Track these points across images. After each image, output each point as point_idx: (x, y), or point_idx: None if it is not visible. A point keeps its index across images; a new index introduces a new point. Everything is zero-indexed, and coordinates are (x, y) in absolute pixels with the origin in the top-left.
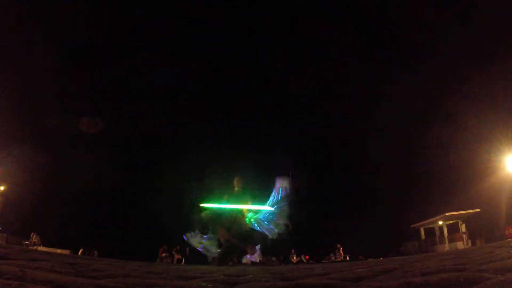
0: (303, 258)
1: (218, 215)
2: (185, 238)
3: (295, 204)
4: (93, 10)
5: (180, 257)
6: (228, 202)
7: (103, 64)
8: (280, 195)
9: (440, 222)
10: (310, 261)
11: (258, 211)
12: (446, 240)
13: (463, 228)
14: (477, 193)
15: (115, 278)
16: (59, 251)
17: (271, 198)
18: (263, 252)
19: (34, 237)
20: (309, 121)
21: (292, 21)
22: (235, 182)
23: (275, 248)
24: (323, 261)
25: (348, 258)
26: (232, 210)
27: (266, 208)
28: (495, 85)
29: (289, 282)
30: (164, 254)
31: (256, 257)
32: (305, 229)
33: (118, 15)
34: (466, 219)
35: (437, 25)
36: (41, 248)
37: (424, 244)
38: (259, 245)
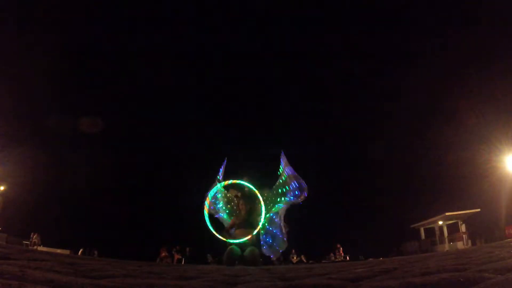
0: (303, 258)
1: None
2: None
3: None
4: (93, 10)
5: (180, 257)
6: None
7: (103, 64)
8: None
9: (440, 222)
10: (310, 261)
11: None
12: (446, 240)
13: (463, 228)
14: (477, 193)
15: (115, 278)
16: (59, 251)
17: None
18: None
19: (34, 237)
20: (309, 121)
21: (291, 19)
22: (240, 207)
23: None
24: (323, 261)
25: (348, 258)
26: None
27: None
28: (495, 85)
29: (289, 282)
30: (164, 254)
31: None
32: (305, 229)
33: (119, 15)
34: (466, 219)
35: (438, 25)
36: (41, 248)
37: (424, 244)
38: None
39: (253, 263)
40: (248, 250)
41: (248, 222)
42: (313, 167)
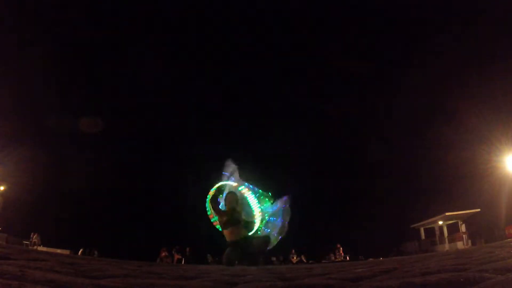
0: (303, 258)
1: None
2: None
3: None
4: (93, 10)
5: (180, 257)
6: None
7: (103, 64)
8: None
9: (440, 222)
10: (310, 261)
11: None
12: (446, 240)
13: (463, 228)
14: (477, 193)
15: (115, 278)
16: (59, 251)
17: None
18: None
19: (34, 237)
20: (309, 121)
21: (291, 20)
22: (226, 202)
23: (275, 248)
24: (323, 261)
25: (348, 258)
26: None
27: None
28: (495, 85)
29: (289, 282)
30: (164, 254)
31: None
32: (305, 229)
33: (118, 14)
34: (466, 219)
35: (438, 25)
36: (41, 248)
37: (424, 244)
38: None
39: (264, 245)
40: (261, 237)
41: (233, 219)
42: (313, 167)
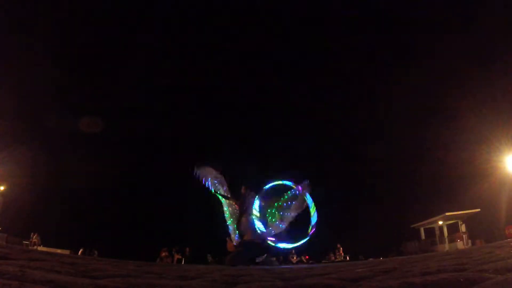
0: (303, 258)
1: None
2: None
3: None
4: (93, 10)
5: (180, 257)
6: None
7: (103, 64)
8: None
9: (440, 222)
10: (310, 261)
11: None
12: (446, 240)
13: (463, 228)
14: (477, 193)
15: (115, 278)
16: (59, 251)
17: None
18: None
19: (34, 237)
20: (309, 121)
21: (291, 21)
22: (242, 190)
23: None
24: (323, 261)
25: (348, 258)
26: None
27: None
28: (495, 85)
29: (289, 282)
30: (164, 254)
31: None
32: (305, 229)
33: (118, 15)
34: (466, 219)
35: (437, 25)
36: (41, 248)
37: (424, 244)
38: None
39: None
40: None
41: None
42: (313, 167)
